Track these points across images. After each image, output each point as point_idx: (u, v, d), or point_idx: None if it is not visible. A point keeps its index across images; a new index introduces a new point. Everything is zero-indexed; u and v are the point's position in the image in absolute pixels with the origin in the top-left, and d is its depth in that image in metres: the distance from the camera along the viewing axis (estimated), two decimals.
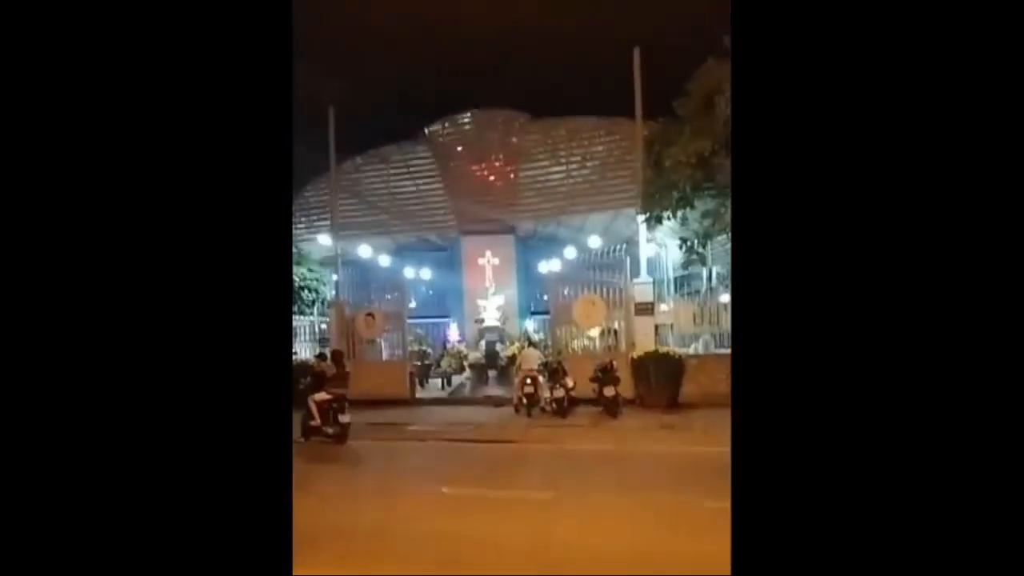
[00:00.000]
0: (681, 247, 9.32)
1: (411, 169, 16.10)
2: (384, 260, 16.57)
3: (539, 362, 9.77)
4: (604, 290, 10.91)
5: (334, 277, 13.24)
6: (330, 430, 7.43)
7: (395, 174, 16.14)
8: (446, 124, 16.37)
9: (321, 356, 8.57)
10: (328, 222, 14.11)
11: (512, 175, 15.91)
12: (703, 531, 3.89)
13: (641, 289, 10.48)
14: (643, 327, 10.38)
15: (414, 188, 16.15)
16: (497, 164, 16.11)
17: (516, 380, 9.72)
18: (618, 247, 11.65)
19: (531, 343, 10.59)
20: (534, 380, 9.22)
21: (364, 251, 15.81)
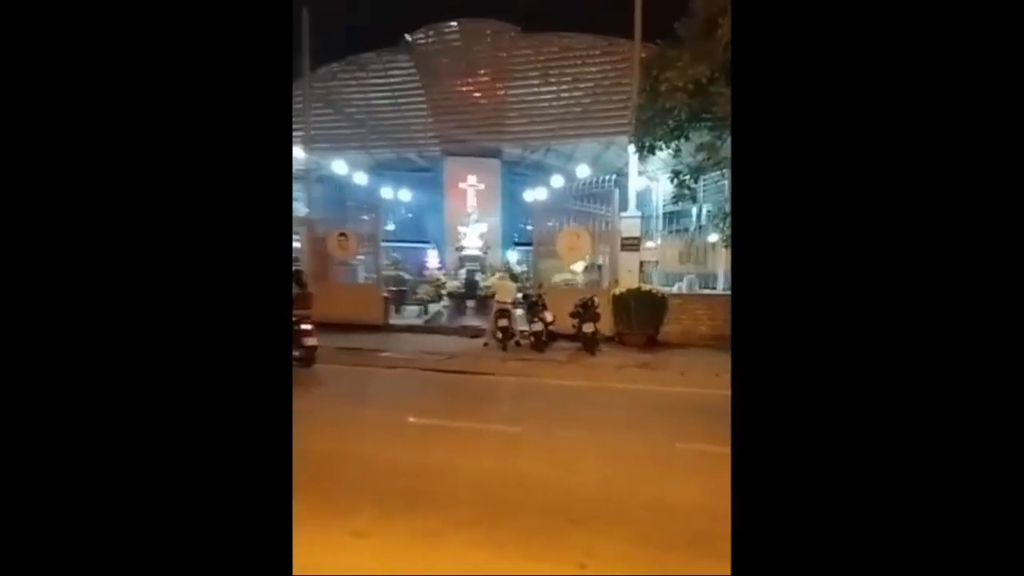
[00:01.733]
0: (672, 180, 8.82)
1: (391, 80, 14.81)
2: (360, 178, 15.76)
3: (515, 295, 9.49)
4: (590, 222, 10.48)
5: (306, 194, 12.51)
6: (296, 352, 7.12)
7: (374, 85, 14.83)
8: (430, 32, 14.93)
9: None
10: (301, 134, 13.16)
11: (499, 92, 14.84)
12: (670, 472, 3.83)
13: (628, 223, 10.08)
14: (628, 263, 10.07)
15: (393, 101, 14.92)
16: (484, 80, 14.97)
17: (492, 312, 9.44)
18: (607, 178, 11.08)
19: (510, 274, 10.19)
20: (508, 313, 8.94)
21: (339, 167, 14.96)
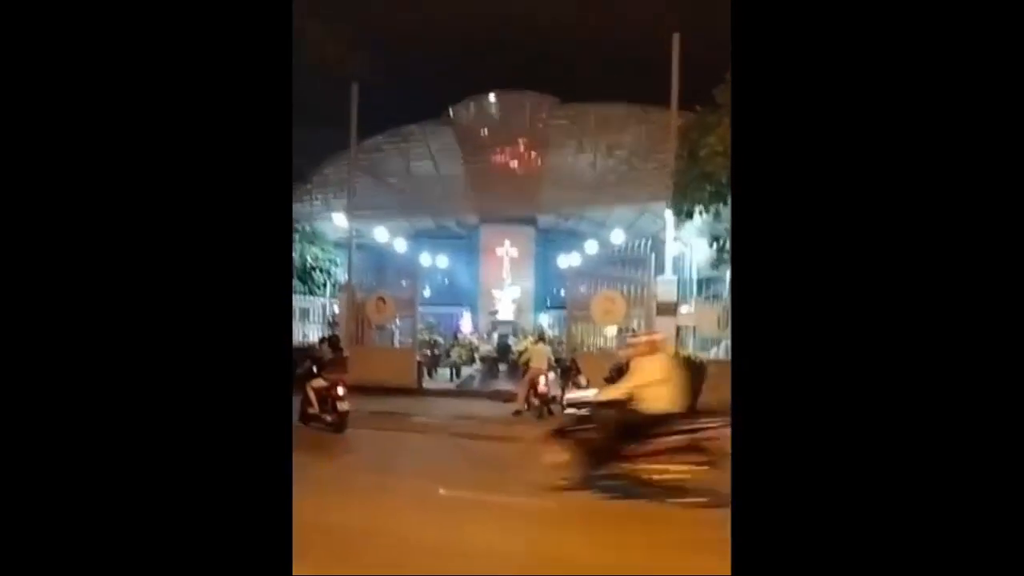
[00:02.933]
0: (711, 245, 8.72)
1: (432, 150, 15.46)
2: (400, 245, 16.20)
3: (550, 359, 9.31)
4: (625, 287, 10.37)
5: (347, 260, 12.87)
6: (328, 418, 7.09)
7: (416, 155, 15.50)
8: (471, 105, 15.71)
9: (324, 340, 8.23)
10: (344, 202, 13.74)
11: (537, 162, 15.29)
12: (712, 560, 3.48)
13: (665, 288, 9.93)
14: (664, 328, 9.83)
15: (434, 171, 15.54)
16: (522, 150, 15.48)
17: (523, 378, 9.25)
18: (642, 243, 11.05)
19: (541, 338, 10.04)
20: (546, 379, 8.74)
21: (380, 234, 15.45)
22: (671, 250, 10.50)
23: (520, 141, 15.46)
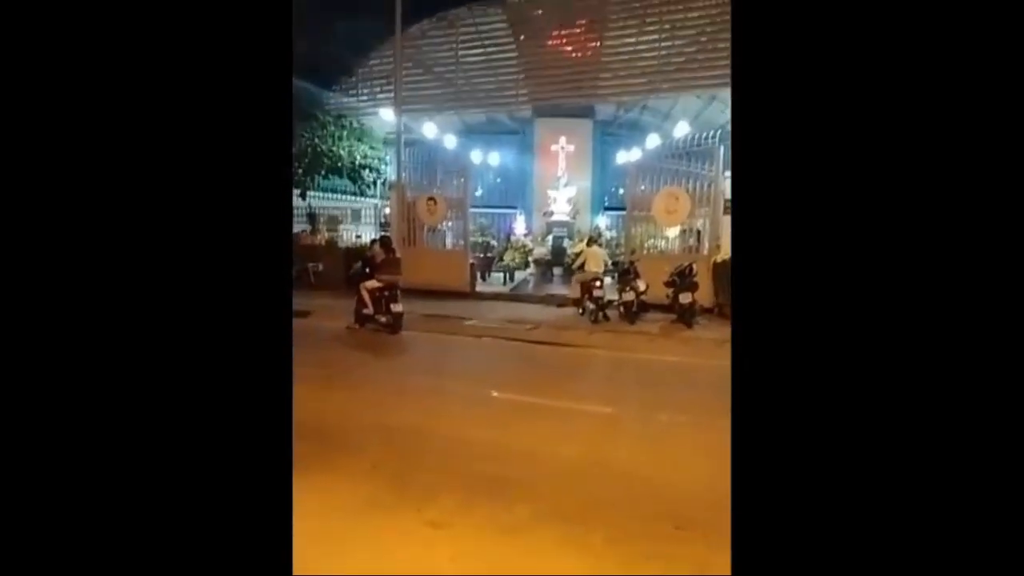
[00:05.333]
0: None
1: (482, 35, 14.15)
2: (450, 141, 15.56)
3: (606, 262, 8.93)
4: (690, 183, 9.60)
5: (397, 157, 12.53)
6: (383, 318, 7.16)
7: (464, 41, 14.22)
8: None
9: (376, 241, 8.15)
10: (392, 96, 13.09)
11: (594, 45, 13.85)
12: None
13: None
14: (732, 227, 9.17)
15: (485, 57, 14.34)
16: (579, 31, 14.01)
17: (575, 280, 8.95)
18: (710, 135, 10.03)
19: (592, 240, 9.57)
20: (599, 283, 8.43)
21: (429, 130, 14.80)
22: None
23: (578, 21, 13.97)
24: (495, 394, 4.89)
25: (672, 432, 3.96)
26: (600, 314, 8.37)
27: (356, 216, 14.53)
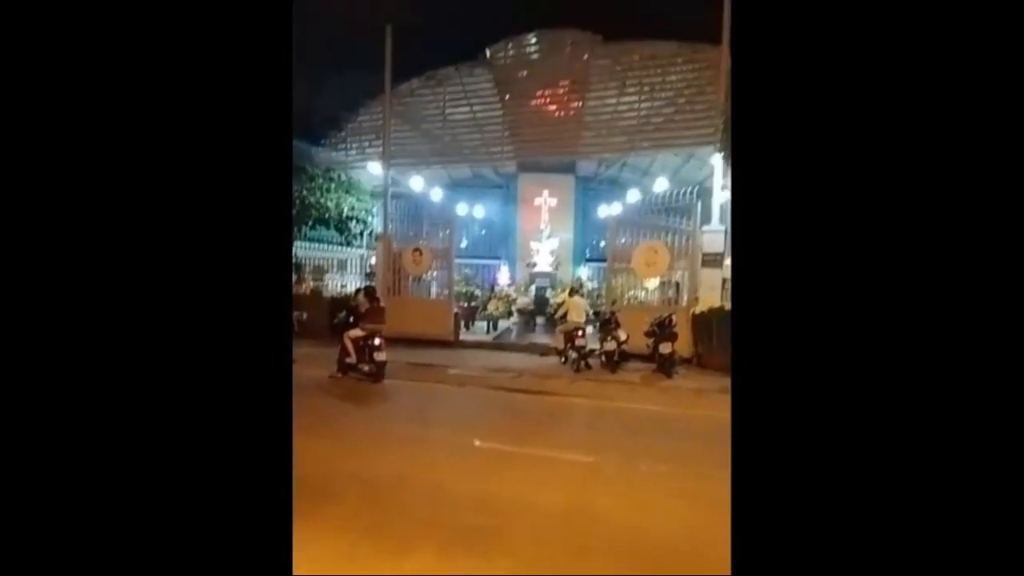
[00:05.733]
0: None
1: (469, 94, 14.81)
2: (436, 194, 15.93)
3: (587, 312, 9.08)
4: (669, 237, 9.91)
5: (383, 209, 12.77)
6: (366, 367, 7.14)
7: (452, 99, 14.85)
8: (510, 45, 14.85)
9: (360, 290, 8.23)
10: (380, 150, 13.48)
11: (576, 104, 14.51)
12: None
13: (711, 238, 9.44)
14: (709, 280, 9.42)
15: (471, 115, 14.94)
16: (562, 91, 14.70)
17: (558, 331, 9.06)
18: (688, 191, 10.44)
19: (574, 291, 9.75)
20: (580, 332, 8.55)
21: (416, 183, 15.18)
22: (718, 198, 9.90)
23: (561, 82, 14.68)
24: (477, 443, 4.87)
25: (653, 481, 3.98)
26: (582, 363, 8.44)
27: (342, 266, 14.61)
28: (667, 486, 3.86)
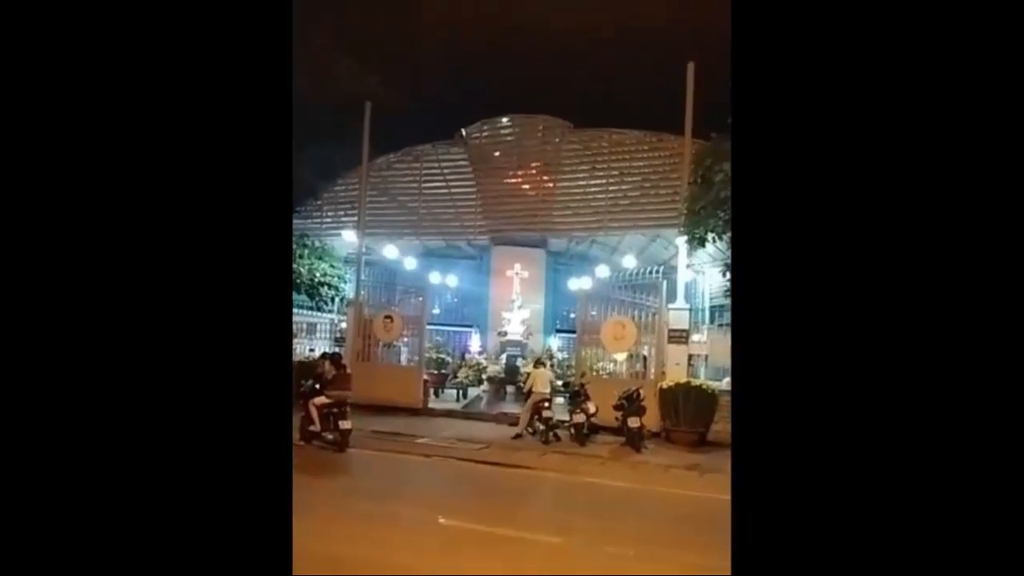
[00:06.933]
0: (724, 273, 8.58)
1: (444, 170, 15.47)
2: (410, 263, 16.14)
3: (551, 384, 9.11)
4: (636, 313, 10.22)
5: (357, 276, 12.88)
6: (330, 436, 6.97)
7: (428, 174, 15.51)
8: (484, 127, 15.79)
9: (325, 356, 8.15)
10: (356, 219, 13.76)
11: (549, 184, 15.25)
12: None
13: (676, 315, 9.77)
14: (675, 356, 9.65)
15: (446, 190, 15.55)
16: (534, 172, 15.47)
17: (529, 403, 9.05)
18: (654, 269, 10.91)
19: (539, 362, 9.82)
20: (547, 404, 8.57)
21: (390, 252, 15.41)
22: (683, 277, 10.35)
23: (533, 163, 15.47)
24: (442, 521, 4.77)
25: (620, 564, 3.94)
26: (551, 434, 8.39)
27: (311, 330, 14.44)
28: (633, 569, 3.83)
